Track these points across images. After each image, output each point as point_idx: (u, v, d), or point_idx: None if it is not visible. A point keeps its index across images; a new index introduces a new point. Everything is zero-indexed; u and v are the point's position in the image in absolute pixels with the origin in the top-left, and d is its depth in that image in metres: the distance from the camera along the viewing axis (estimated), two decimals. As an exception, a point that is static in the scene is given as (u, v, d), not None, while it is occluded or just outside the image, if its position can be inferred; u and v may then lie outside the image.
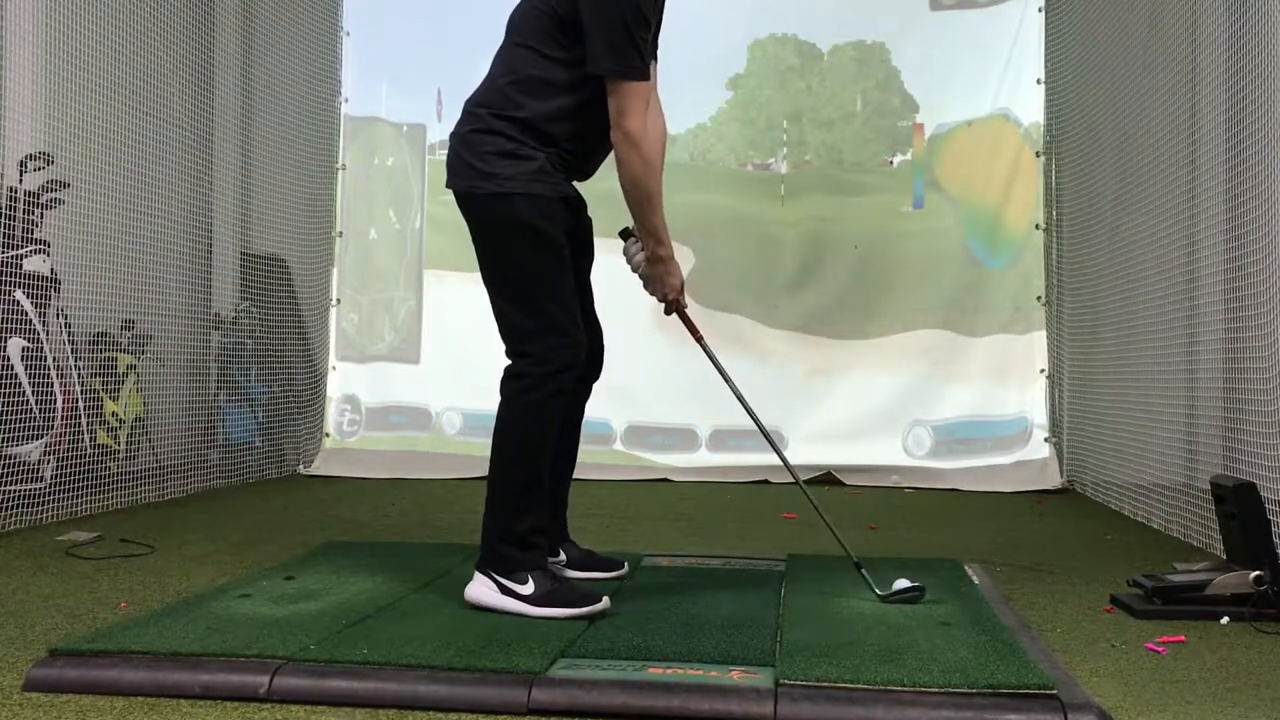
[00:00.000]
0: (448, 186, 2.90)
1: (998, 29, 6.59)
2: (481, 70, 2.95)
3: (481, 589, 2.75)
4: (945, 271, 6.58)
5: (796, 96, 6.85)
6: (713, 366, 3.19)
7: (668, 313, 3.20)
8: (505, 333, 2.87)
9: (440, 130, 6.89)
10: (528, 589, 2.70)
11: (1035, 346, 6.45)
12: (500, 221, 2.84)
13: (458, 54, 6.51)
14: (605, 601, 2.71)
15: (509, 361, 2.85)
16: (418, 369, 6.80)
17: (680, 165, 6.57)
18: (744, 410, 3.19)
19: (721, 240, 6.68)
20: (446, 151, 2.95)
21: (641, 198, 2.88)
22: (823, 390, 6.54)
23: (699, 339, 3.21)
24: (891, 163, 6.76)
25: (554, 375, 2.81)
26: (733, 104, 6.87)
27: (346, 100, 6.94)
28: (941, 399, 6.45)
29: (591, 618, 2.65)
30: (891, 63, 6.78)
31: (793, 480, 3.20)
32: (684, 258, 6.44)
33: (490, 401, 2.87)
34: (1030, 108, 6.54)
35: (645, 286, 3.14)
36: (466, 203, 2.87)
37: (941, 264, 6.59)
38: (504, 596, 2.71)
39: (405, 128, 6.99)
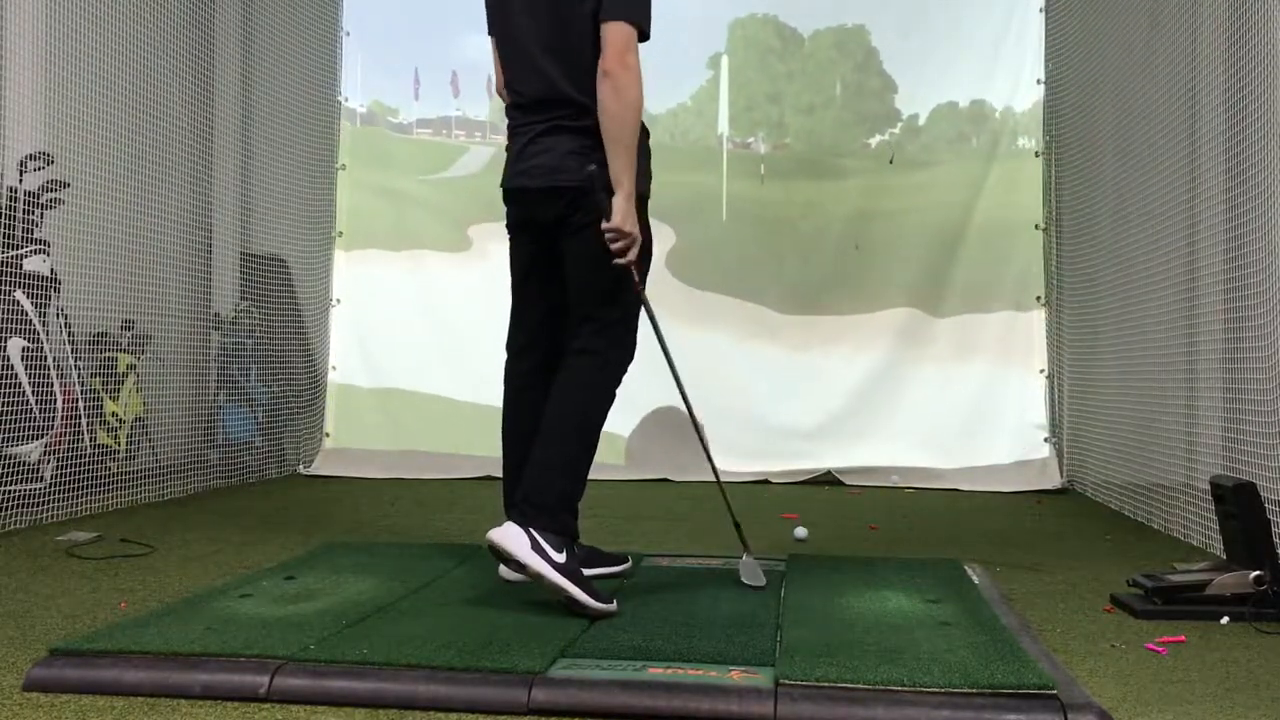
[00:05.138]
0: None
1: (983, 12, 6.61)
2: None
3: (512, 538, 2.68)
4: (938, 255, 6.59)
5: (776, 80, 6.87)
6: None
7: (623, 257, 2.92)
8: None
9: (418, 109, 6.92)
10: (560, 557, 2.68)
11: (1035, 346, 6.45)
12: None
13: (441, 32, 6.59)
14: (614, 605, 2.71)
15: None
16: (418, 363, 6.76)
17: (660, 145, 6.49)
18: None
19: (702, 219, 6.68)
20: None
21: (616, 135, 2.85)
22: (806, 372, 6.52)
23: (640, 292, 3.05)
24: (870, 144, 6.77)
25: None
26: (712, 83, 6.87)
27: (346, 100, 6.93)
28: (940, 399, 6.45)
29: (596, 616, 2.65)
30: (871, 44, 6.80)
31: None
32: (664, 236, 6.62)
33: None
34: (1030, 108, 6.55)
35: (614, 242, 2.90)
36: None
37: (934, 249, 6.60)
38: (533, 553, 2.66)
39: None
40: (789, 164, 6.82)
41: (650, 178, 3.03)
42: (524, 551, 2.66)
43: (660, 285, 6.58)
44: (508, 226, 3.16)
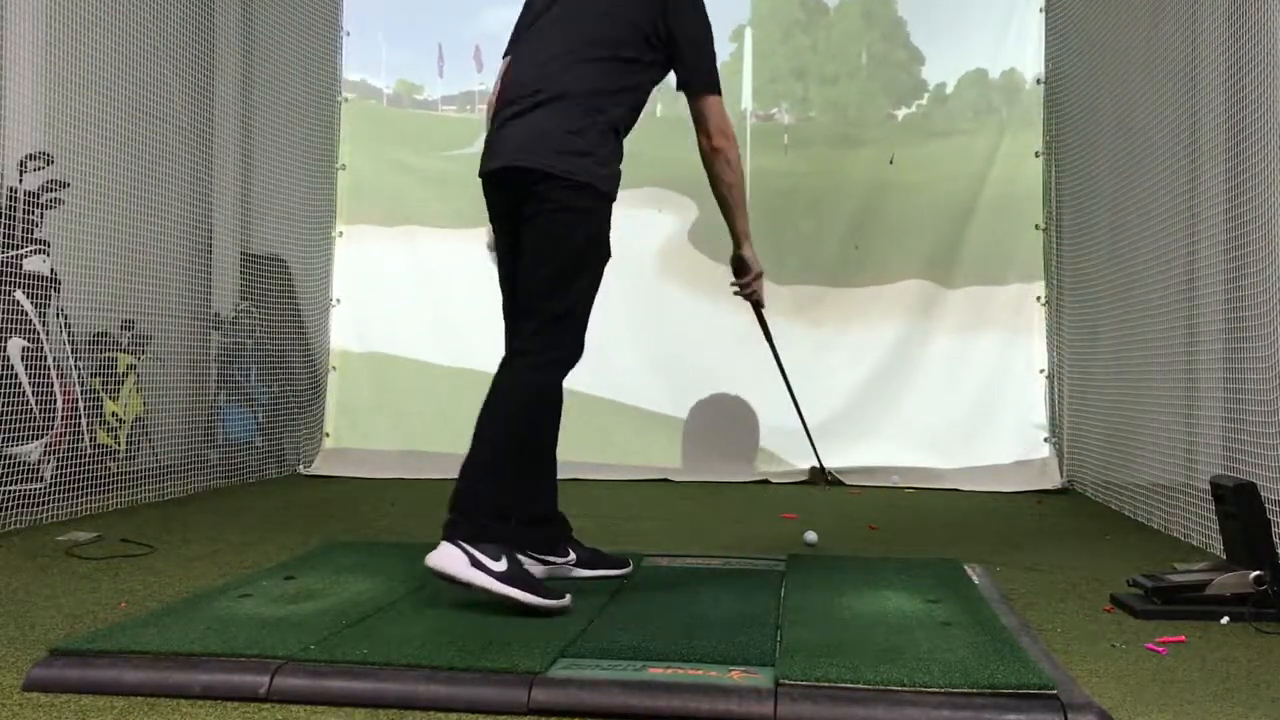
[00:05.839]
0: None
1: (983, 12, 6.62)
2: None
3: (450, 558, 2.66)
4: (955, 227, 6.56)
5: (801, 52, 6.86)
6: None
7: (760, 308, 3.44)
8: None
9: (442, 86, 6.92)
10: (500, 566, 2.66)
11: (1035, 346, 6.45)
12: None
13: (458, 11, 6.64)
14: (568, 599, 2.70)
15: None
16: (434, 343, 6.74)
17: (683, 120, 6.40)
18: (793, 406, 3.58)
19: None
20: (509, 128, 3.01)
21: (734, 201, 3.14)
22: (824, 352, 6.51)
23: (771, 343, 3.51)
24: (897, 116, 6.77)
25: None
26: (736, 57, 6.84)
27: (346, 100, 6.93)
28: (941, 398, 6.44)
29: (550, 613, 2.64)
30: (898, 13, 6.78)
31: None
32: (686, 209, 6.60)
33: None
34: (1030, 108, 6.55)
35: (743, 292, 3.37)
36: None
37: (952, 222, 6.56)
38: (473, 569, 2.64)
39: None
40: (813, 135, 6.79)
41: (619, 179, 2.98)
42: (463, 569, 2.64)
43: (683, 259, 6.75)
44: (490, 220, 3.10)
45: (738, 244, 3.26)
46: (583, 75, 2.92)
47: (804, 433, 3.75)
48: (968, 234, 6.56)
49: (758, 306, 3.42)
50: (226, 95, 6.10)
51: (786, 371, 3.55)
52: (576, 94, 2.90)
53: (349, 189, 6.87)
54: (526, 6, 3.17)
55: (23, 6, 4.65)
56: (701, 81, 3.03)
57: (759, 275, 3.32)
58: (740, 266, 3.30)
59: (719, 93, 3.06)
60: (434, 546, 2.72)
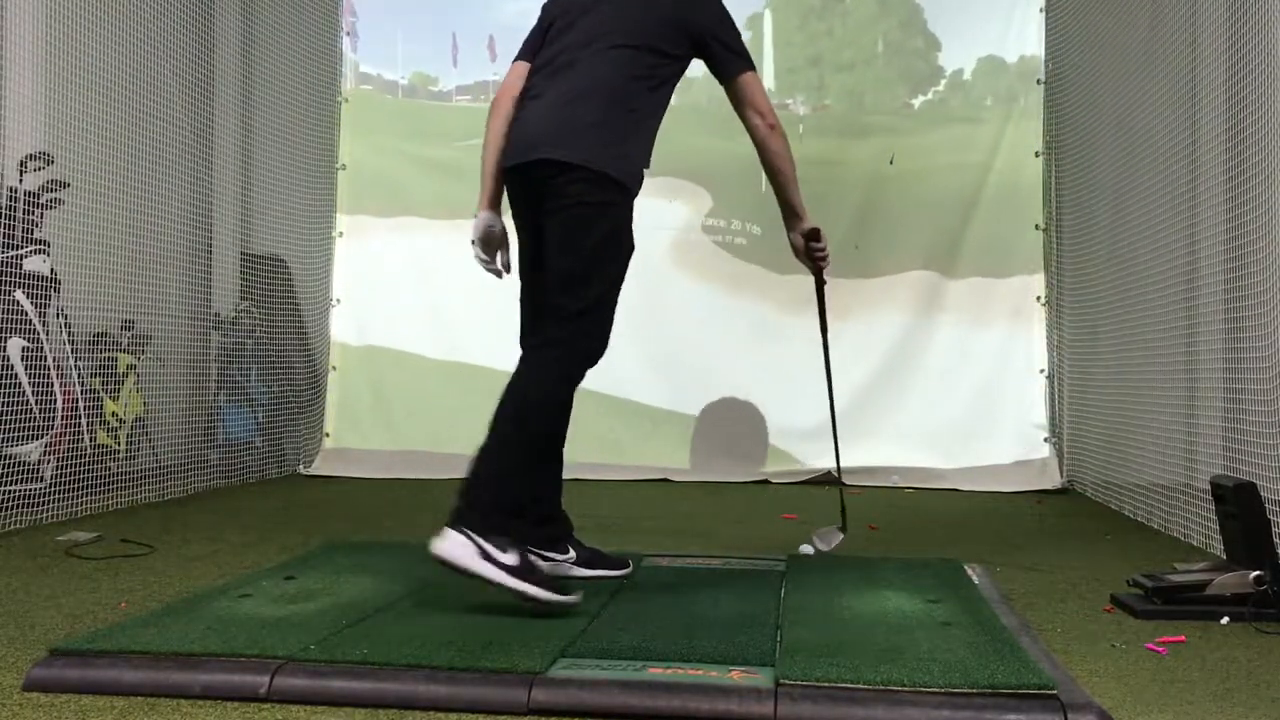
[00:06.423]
0: None
1: (986, 9, 6.63)
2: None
3: (458, 548, 2.61)
4: (965, 215, 6.54)
5: (817, 39, 6.84)
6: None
7: (821, 283, 3.45)
8: None
9: (457, 76, 6.93)
10: (512, 560, 2.62)
11: (1035, 346, 6.44)
12: None
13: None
14: (579, 596, 2.68)
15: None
16: (453, 339, 6.74)
17: (697, 108, 6.11)
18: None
19: (737, 181, 6.45)
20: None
21: (792, 176, 3.14)
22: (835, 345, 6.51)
23: (824, 325, 3.55)
24: (913, 105, 6.77)
25: None
26: (753, 45, 6.82)
27: (347, 101, 6.93)
28: (941, 398, 6.44)
29: (564, 609, 2.63)
30: (915, 0, 6.78)
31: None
32: (701, 199, 6.56)
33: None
34: (1030, 107, 6.55)
35: (807, 261, 3.36)
36: None
37: (961, 210, 6.54)
38: (483, 561, 2.60)
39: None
40: (829, 123, 6.77)
41: (642, 174, 3.00)
42: (472, 561, 2.60)
43: (695, 250, 6.72)
44: (512, 211, 3.11)
45: (801, 217, 3.23)
46: (611, 62, 2.93)
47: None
48: (971, 228, 6.55)
49: (823, 280, 3.44)
50: (226, 95, 6.09)
51: (821, 363, 3.62)
52: (602, 85, 2.92)
53: (352, 184, 6.86)
54: (549, 28, 3.13)
55: (23, 6, 4.65)
56: (742, 61, 3.05)
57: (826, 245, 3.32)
58: (814, 235, 3.28)
59: (755, 68, 3.07)
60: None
